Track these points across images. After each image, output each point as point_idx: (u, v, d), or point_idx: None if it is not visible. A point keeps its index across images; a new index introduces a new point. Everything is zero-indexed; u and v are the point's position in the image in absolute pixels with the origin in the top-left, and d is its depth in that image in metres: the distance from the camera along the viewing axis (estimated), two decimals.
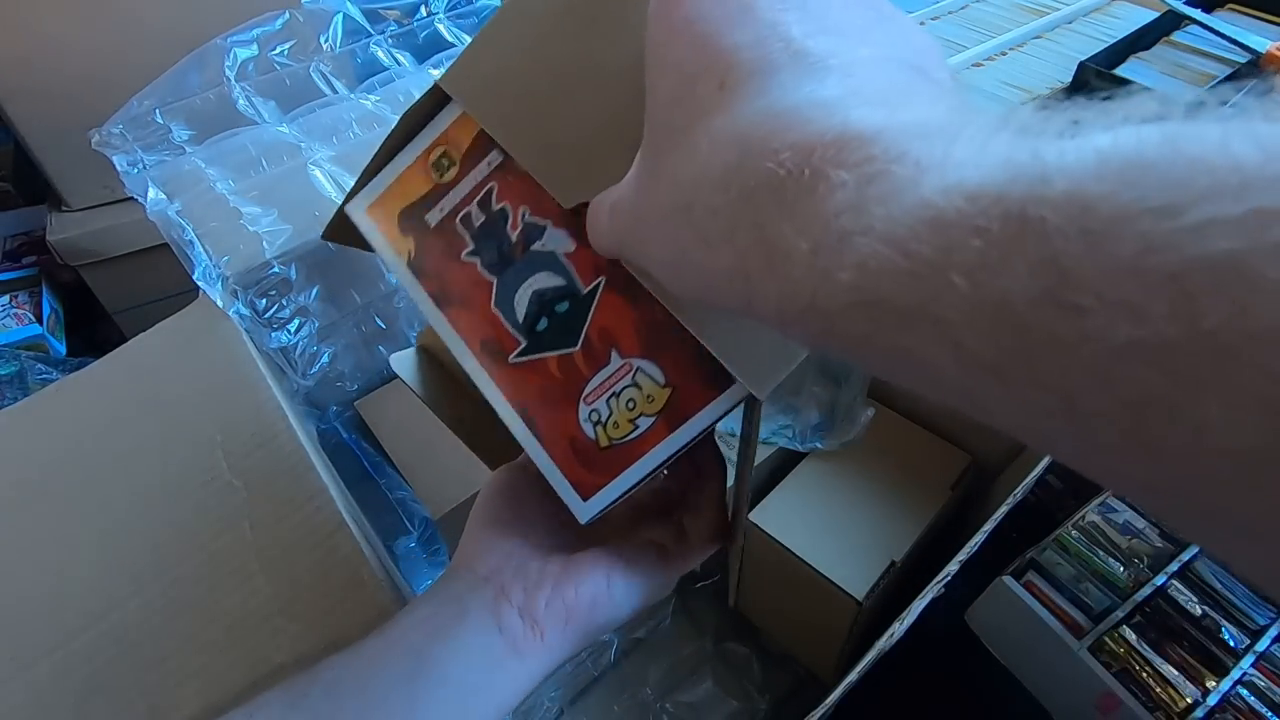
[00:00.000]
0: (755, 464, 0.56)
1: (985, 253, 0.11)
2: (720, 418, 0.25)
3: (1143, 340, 0.10)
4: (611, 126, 0.23)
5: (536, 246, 0.26)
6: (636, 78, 0.20)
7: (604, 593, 0.27)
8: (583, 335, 0.25)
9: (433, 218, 0.27)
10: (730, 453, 0.30)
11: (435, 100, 0.27)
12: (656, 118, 0.19)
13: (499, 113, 0.25)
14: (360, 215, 0.28)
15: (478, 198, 0.27)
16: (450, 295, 0.27)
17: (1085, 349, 0.10)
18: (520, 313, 0.26)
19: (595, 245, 0.23)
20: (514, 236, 0.26)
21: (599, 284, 0.25)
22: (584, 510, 0.27)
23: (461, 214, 0.27)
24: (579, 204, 0.23)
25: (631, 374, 0.25)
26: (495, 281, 0.27)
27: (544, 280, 0.26)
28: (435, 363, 0.38)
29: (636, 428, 0.25)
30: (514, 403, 0.27)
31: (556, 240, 0.26)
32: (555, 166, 0.24)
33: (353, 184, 0.29)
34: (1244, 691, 0.48)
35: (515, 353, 0.27)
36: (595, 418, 0.26)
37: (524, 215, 0.26)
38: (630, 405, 0.25)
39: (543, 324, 0.26)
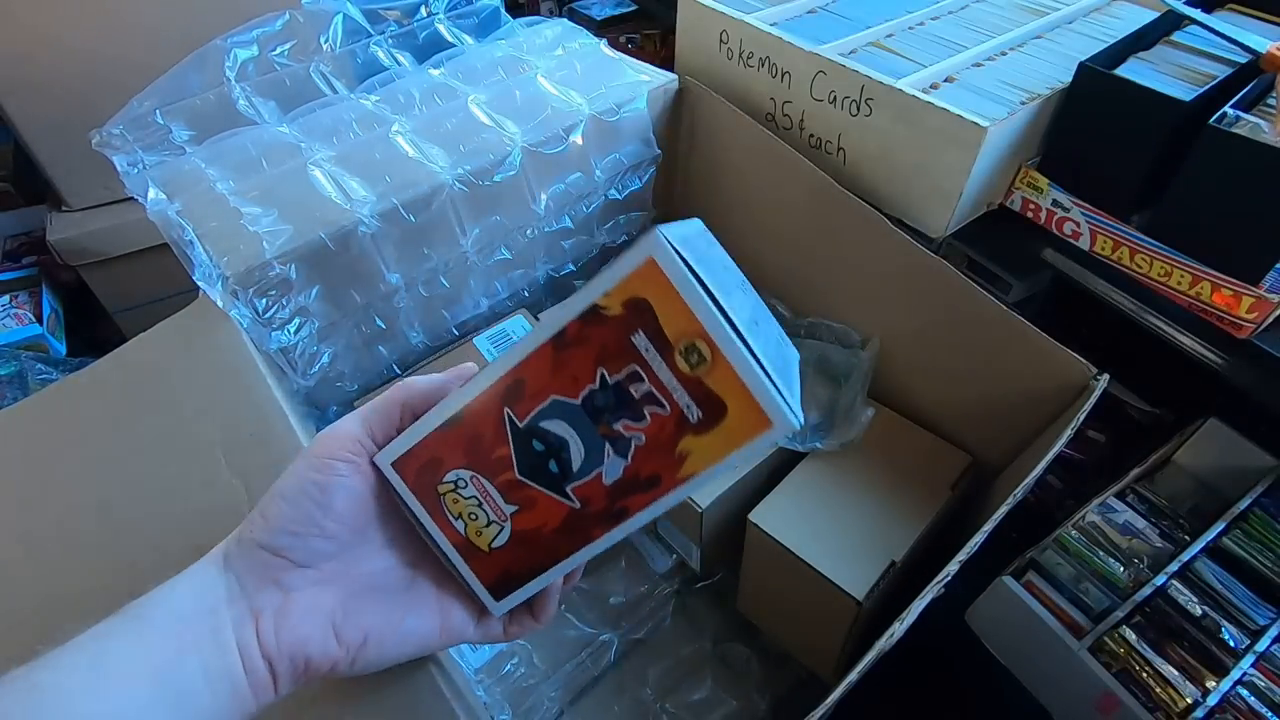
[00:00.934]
0: (755, 464, 0.56)
1: None
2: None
3: None
4: None
5: (608, 454, 0.27)
6: None
7: (344, 663, 0.29)
8: (531, 490, 0.29)
9: (609, 366, 0.25)
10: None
11: None
12: None
13: None
14: (640, 269, 0.24)
15: (661, 390, 0.25)
16: (522, 386, 0.27)
17: None
18: (540, 428, 0.28)
19: None
20: (619, 423, 0.26)
21: (583, 508, 0.28)
22: (381, 456, 0.30)
23: (628, 372, 0.25)
24: None
25: (502, 518, 0.30)
26: (573, 402, 0.27)
27: (574, 449, 0.28)
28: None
29: (447, 514, 0.30)
30: (454, 410, 0.29)
31: (613, 468, 0.27)
32: None
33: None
34: (1244, 691, 0.48)
35: (504, 449, 0.29)
36: (456, 481, 0.30)
37: (637, 442, 0.26)
38: (469, 506, 0.30)
39: (538, 446, 0.28)
